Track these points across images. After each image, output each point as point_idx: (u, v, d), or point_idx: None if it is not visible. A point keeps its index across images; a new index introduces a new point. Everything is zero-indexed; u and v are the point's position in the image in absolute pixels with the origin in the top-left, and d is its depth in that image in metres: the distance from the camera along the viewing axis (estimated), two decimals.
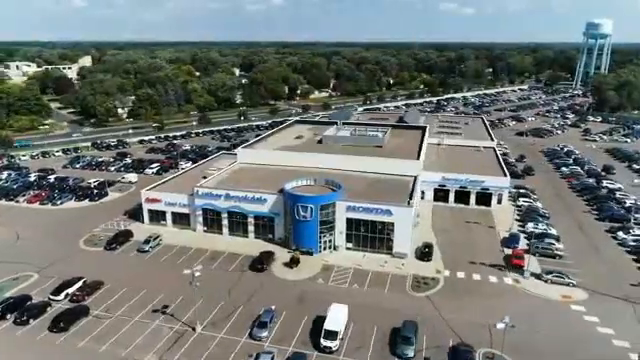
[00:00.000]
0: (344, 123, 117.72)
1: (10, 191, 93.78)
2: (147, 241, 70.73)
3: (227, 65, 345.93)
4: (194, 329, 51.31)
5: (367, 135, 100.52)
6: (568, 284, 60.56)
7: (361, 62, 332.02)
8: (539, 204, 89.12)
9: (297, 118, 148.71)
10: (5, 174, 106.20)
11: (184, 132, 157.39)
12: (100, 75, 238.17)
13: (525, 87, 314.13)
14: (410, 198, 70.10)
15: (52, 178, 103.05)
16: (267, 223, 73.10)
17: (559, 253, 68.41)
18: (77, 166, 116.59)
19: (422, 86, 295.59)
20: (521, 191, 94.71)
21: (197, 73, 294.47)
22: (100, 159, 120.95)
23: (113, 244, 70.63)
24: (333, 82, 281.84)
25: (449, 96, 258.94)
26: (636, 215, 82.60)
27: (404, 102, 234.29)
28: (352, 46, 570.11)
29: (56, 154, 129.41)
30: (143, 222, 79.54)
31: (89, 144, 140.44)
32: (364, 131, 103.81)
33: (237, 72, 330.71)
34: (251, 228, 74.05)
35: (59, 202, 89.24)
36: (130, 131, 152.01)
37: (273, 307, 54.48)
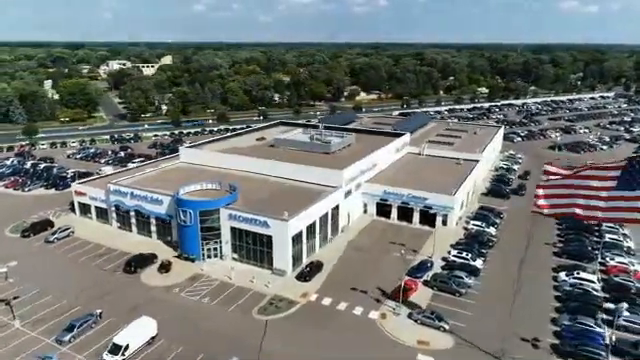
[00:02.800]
0: (325, 127, 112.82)
1: None
2: (55, 232, 73.66)
3: (293, 65, 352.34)
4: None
5: (320, 141, 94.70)
6: (439, 328, 51.15)
7: (429, 64, 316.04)
8: (492, 229, 76.91)
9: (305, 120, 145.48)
10: (10, 160, 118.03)
11: (199, 129, 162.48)
12: (164, 73, 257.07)
13: (610, 94, 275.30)
14: (302, 211, 64.25)
15: (41, 166, 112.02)
16: (166, 225, 72.05)
17: (460, 290, 58.05)
18: (77, 157, 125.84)
19: (485, 90, 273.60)
20: (483, 213, 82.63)
21: (262, 72, 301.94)
22: (98, 151, 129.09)
23: (27, 232, 74.60)
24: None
25: (507, 102, 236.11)
26: (606, 254, 67.61)
27: (449, 107, 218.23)
28: (448, 47, 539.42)
29: (72, 144, 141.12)
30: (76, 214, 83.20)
31: (107, 136, 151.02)
32: (324, 136, 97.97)
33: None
34: (153, 228, 73.59)
35: (27, 189, 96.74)
36: (146, 125, 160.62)
37: (99, 311, 53.28)
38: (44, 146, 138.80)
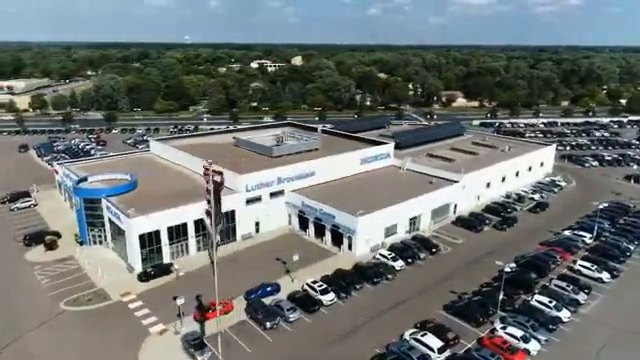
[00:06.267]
0: (323, 131, 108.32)
1: (49, 150, 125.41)
2: (17, 203, 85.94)
3: (415, 67, 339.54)
4: None
5: (267, 143, 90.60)
6: (192, 356, 45.62)
7: (572, 70, 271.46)
8: (400, 263, 64.09)
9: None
10: (73, 141, 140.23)
11: (253, 126, 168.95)
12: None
13: None
14: (156, 210, 63.19)
15: (87, 148, 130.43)
16: None
17: (265, 322, 50.41)
18: (128, 142, 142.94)
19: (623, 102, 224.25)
20: (411, 243, 69.58)
21: (381, 74, 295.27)
22: (145, 138, 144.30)
23: (4, 199, 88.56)
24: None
25: (635, 118, 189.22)
26: (509, 319, 51.05)
27: (548, 120, 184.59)
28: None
29: (139, 131, 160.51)
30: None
31: (172, 126, 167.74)
32: (289, 138, 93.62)
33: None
34: None
35: (54, 164, 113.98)
36: (205, 119, 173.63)
37: None
38: (116, 131, 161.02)
